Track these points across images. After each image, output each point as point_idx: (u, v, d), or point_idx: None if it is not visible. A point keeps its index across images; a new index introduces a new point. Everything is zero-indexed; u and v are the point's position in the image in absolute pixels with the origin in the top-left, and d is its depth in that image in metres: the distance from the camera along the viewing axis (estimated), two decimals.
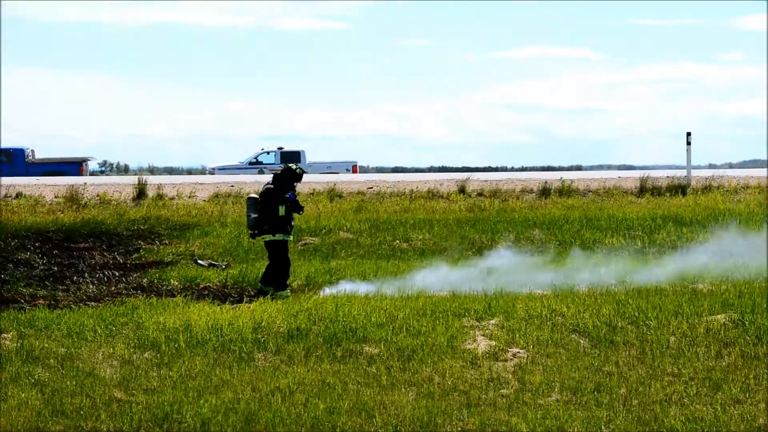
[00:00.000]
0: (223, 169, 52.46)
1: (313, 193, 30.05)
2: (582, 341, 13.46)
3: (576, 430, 10.56)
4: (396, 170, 74.09)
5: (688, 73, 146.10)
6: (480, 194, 30.14)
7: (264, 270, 17.83)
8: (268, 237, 17.57)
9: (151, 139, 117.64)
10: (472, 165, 70.64)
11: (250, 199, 17.84)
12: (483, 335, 13.77)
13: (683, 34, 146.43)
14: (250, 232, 17.99)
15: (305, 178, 18.70)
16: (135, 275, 19.49)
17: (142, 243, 22.78)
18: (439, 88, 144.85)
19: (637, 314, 14.41)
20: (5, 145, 52.70)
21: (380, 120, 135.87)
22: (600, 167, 68.73)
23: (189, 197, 29.83)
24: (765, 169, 42.80)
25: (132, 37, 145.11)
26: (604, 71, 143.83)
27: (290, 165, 18.14)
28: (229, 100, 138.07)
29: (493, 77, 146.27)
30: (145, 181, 30.49)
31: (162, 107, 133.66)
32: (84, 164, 52.99)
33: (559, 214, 25.74)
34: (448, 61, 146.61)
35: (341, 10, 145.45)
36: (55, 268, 20.07)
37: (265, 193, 17.61)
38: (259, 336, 13.87)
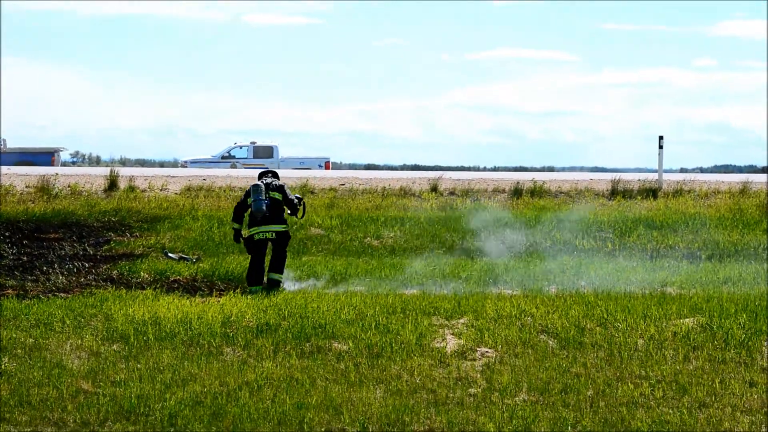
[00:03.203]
0: (196, 162, 52.33)
1: None
2: (550, 342, 13.50)
3: (543, 430, 10.60)
4: (369, 167, 74.04)
5: (659, 77, 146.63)
6: (452, 193, 30.17)
7: (271, 261, 17.47)
8: (282, 227, 17.43)
9: (121, 131, 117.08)
10: (444, 164, 70.65)
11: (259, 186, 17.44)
12: (452, 334, 13.79)
13: (655, 39, 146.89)
14: (263, 220, 17.33)
15: (278, 172, 18.62)
16: (105, 267, 19.43)
17: (112, 235, 22.72)
18: (412, 88, 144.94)
19: (605, 316, 14.47)
20: None
21: (351, 117, 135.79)
22: (572, 169, 68.83)
23: (161, 190, 29.74)
24: (736, 174, 43.02)
25: (102, 27, 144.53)
26: (576, 74, 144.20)
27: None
28: (200, 93, 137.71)
29: (465, 78, 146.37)
30: (117, 172, 30.37)
31: (132, 99, 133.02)
32: (56, 155, 52.79)
33: (530, 214, 25.80)
34: (421, 60, 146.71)
35: (315, 6, 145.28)
36: (25, 258, 19.99)
37: (282, 186, 17.53)
38: (228, 330, 13.86)
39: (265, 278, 17.31)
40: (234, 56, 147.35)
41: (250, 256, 17.54)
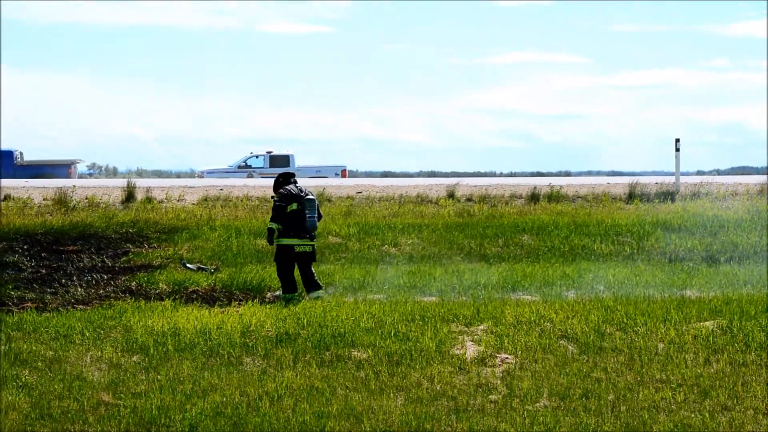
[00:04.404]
0: (212, 173, 52.43)
1: None
2: (570, 347, 13.47)
3: None
4: (385, 175, 74.10)
5: (672, 79, 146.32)
6: (469, 199, 30.16)
7: (310, 279, 17.36)
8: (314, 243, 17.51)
9: (137, 142, 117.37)
10: (458, 170, 70.59)
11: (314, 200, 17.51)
12: (471, 341, 13.77)
13: (667, 41, 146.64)
14: (311, 235, 17.35)
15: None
16: (123, 278, 19.46)
17: (130, 246, 22.75)
18: (425, 93, 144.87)
19: (625, 321, 14.43)
20: None
21: (365, 124, 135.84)
22: (589, 173, 68.75)
23: (178, 200, 29.80)
24: (753, 176, 42.90)
25: (117, 38, 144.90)
26: (588, 77, 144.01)
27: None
28: (215, 102, 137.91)
29: (478, 82, 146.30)
30: (134, 184, 30.45)
31: (146, 109, 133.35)
32: (73, 167, 52.97)
33: (548, 219, 25.76)
34: (433, 65, 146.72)
35: (327, 14, 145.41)
36: (44, 271, 20.03)
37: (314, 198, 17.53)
38: (248, 340, 13.87)
39: (306, 296, 17.16)
40: (248, 65, 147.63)
41: (277, 265, 17.37)
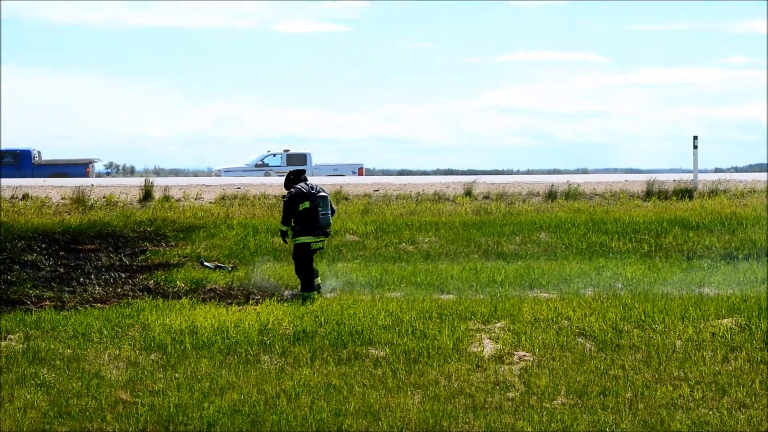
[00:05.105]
0: (229, 171, 52.46)
1: None
2: (588, 345, 13.45)
3: None
4: (402, 173, 74.05)
5: (689, 76, 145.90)
6: (486, 197, 30.12)
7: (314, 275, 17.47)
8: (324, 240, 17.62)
9: (153, 141, 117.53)
10: (476, 168, 70.54)
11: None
12: (489, 338, 13.77)
13: (683, 38, 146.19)
14: (325, 232, 17.46)
15: (311, 180, 18.58)
16: (141, 277, 19.50)
17: (148, 245, 22.79)
18: (441, 92, 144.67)
19: (643, 318, 14.41)
20: (8, 146, 52.75)
21: (382, 123, 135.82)
22: (606, 170, 68.55)
23: (195, 199, 29.84)
24: None
25: (131, 39, 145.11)
26: (605, 75, 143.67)
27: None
28: (231, 102, 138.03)
29: (494, 81, 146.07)
30: (152, 182, 30.46)
31: (162, 109, 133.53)
32: (90, 166, 53.04)
33: (565, 217, 25.72)
34: (449, 64, 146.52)
35: (342, 13, 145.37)
36: (62, 270, 20.08)
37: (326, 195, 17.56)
38: (265, 338, 13.89)
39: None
40: (263, 64, 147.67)
41: (295, 264, 17.40)
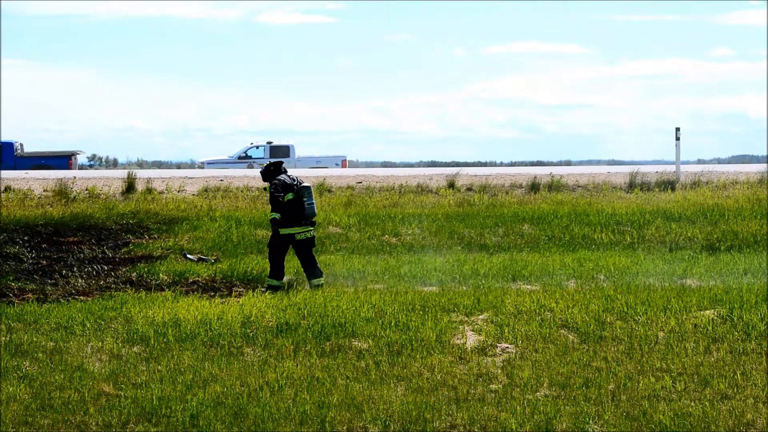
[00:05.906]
0: (212, 163, 52.41)
1: None
2: (571, 336, 13.48)
3: (564, 425, 10.58)
4: (385, 165, 74.09)
5: (674, 68, 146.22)
6: (469, 189, 30.14)
7: (311, 267, 17.47)
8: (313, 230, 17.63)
9: (136, 132, 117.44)
10: (460, 160, 70.57)
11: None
12: (472, 330, 13.78)
13: (669, 30, 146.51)
14: (311, 222, 17.51)
15: (295, 172, 18.60)
16: (124, 269, 19.47)
17: (131, 237, 22.76)
18: (426, 83, 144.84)
19: (625, 310, 14.44)
20: None
21: (366, 114, 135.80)
22: (590, 162, 68.69)
23: (178, 191, 29.80)
24: (754, 165, 42.88)
25: (115, 29, 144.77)
26: (590, 67, 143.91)
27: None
28: (214, 93, 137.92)
29: (479, 73, 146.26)
30: (134, 175, 30.44)
31: (146, 101, 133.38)
32: (73, 158, 52.88)
33: (548, 209, 25.76)
34: (434, 56, 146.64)
35: (327, 5, 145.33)
36: (44, 262, 20.04)
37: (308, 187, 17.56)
38: (248, 330, 13.88)
39: (308, 283, 17.27)
40: (247, 55, 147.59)
41: (269, 250, 17.39)
